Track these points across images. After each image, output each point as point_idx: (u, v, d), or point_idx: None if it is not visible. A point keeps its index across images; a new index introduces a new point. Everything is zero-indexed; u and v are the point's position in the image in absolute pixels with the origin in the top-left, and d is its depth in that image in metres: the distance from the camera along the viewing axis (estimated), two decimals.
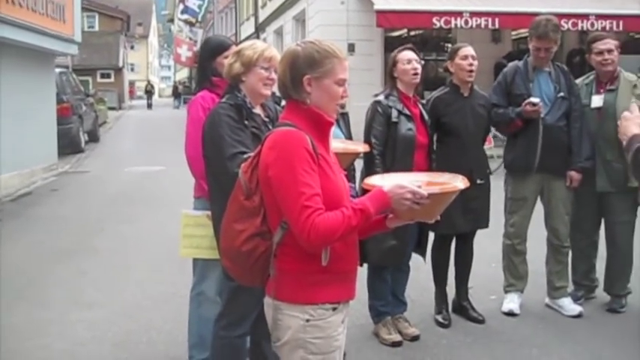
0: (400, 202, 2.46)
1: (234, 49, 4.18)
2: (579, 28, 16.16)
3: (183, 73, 67.49)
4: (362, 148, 4.46)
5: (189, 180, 4.35)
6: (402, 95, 4.93)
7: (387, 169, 4.56)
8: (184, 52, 43.41)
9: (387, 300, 5.11)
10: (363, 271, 4.93)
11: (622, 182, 5.41)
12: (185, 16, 41.89)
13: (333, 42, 2.63)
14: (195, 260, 4.35)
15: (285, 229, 2.49)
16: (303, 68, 2.54)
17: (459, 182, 2.68)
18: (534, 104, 5.23)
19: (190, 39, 43.35)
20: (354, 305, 2.76)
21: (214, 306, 4.10)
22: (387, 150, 4.83)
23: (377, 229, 2.70)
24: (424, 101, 5.26)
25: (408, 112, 4.88)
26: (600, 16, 16.02)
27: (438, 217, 2.66)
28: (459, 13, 15.72)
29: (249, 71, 3.63)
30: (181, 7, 42.23)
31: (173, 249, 4.77)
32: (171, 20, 65.67)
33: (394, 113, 4.84)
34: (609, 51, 5.46)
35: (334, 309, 2.57)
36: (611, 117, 5.30)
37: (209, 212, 3.92)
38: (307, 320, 2.52)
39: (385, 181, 2.68)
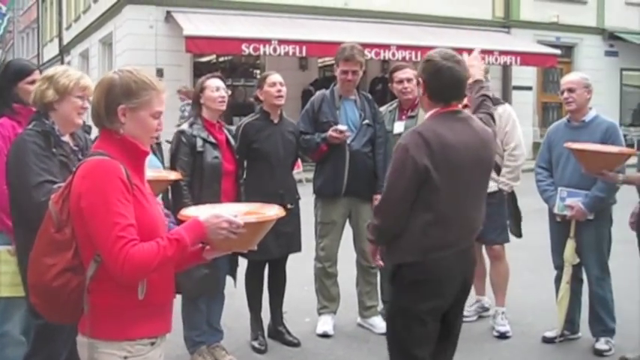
0: (217, 232, 2.46)
1: (37, 74, 4.02)
2: (381, 57, 17.01)
3: None
4: (174, 175, 4.43)
5: None
6: (206, 122, 4.94)
7: (195, 198, 4.55)
8: None
9: (202, 329, 5.05)
10: (177, 301, 4.87)
11: None
12: None
13: (150, 73, 2.59)
14: None
15: (98, 263, 2.41)
16: (119, 98, 2.48)
17: (274, 211, 2.72)
18: (341, 131, 5.42)
19: None
20: (169, 336, 2.71)
21: (20, 347, 3.90)
22: (194, 179, 4.81)
23: (194, 261, 2.69)
24: (232, 127, 5.31)
25: (213, 140, 4.89)
26: (400, 47, 16.94)
27: (255, 247, 2.69)
28: (267, 41, 15.96)
29: (63, 99, 3.50)
30: None
31: None
32: None
33: (199, 142, 4.83)
34: (408, 80, 5.79)
35: (152, 344, 2.52)
36: None
37: (9, 247, 3.75)
38: (125, 357, 2.45)
39: (201, 212, 2.67)
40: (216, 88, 4.94)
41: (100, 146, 2.52)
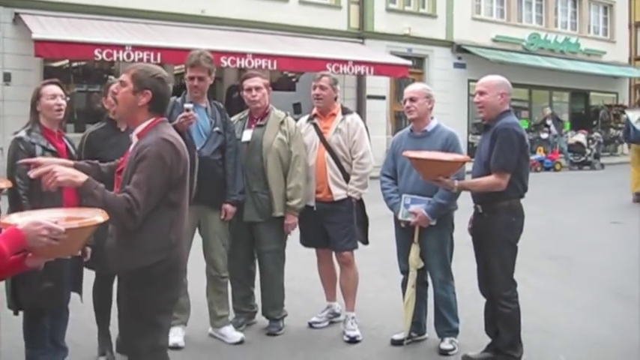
0: (37, 239, 2.41)
1: None
2: (238, 65, 16.96)
3: None
4: (4, 184, 4.23)
5: None
6: (45, 130, 4.77)
7: (36, 208, 4.35)
8: None
9: (45, 347, 4.81)
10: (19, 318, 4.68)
11: (268, 212, 5.78)
12: None
13: None
14: None
15: None
16: None
17: (98, 216, 2.68)
18: (187, 109, 5.19)
19: None
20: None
21: None
22: (34, 188, 4.59)
23: (17, 269, 2.61)
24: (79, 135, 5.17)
25: (53, 148, 4.72)
26: (257, 55, 16.95)
27: (79, 253, 2.66)
28: (121, 46, 15.54)
29: None
30: None
31: None
32: None
33: (38, 150, 4.64)
34: (257, 88, 5.82)
35: None
36: (258, 150, 5.71)
37: None
38: None
39: (21, 219, 2.60)
40: (52, 95, 4.76)
41: None
